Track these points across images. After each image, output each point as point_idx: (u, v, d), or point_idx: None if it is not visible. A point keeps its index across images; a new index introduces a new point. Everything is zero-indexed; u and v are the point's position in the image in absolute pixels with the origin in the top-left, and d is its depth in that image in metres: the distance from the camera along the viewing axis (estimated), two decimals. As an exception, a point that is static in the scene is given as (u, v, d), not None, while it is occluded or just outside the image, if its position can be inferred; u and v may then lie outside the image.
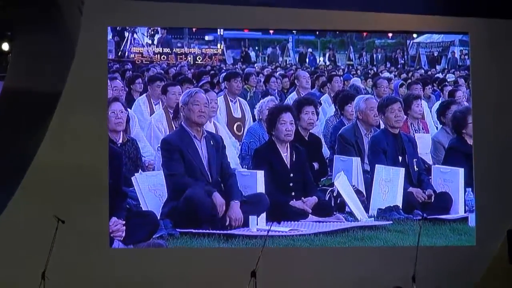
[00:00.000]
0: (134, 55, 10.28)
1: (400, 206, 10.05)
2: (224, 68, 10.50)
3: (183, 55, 10.40)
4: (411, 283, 8.27)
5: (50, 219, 8.30)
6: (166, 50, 10.32)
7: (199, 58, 10.40)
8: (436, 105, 10.82)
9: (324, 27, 10.73)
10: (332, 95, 10.63)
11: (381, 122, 10.24)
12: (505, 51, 10.65)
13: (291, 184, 9.87)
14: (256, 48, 10.73)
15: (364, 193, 10.07)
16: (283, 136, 9.75)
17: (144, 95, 10.20)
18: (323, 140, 10.34)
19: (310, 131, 10.18)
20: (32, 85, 9.75)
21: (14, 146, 9.69)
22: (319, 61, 10.87)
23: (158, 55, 10.34)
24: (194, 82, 10.25)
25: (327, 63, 10.89)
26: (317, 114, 10.17)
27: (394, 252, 9.90)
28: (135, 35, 10.32)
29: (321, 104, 10.52)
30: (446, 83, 10.94)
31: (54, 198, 9.45)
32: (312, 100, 10.15)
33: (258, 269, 7.92)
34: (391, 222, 10.00)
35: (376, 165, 10.05)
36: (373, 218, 10.00)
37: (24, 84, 9.77)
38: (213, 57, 10.43)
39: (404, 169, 10.08)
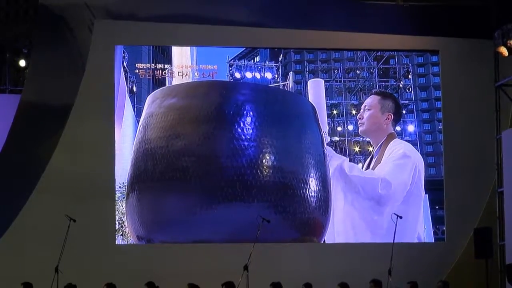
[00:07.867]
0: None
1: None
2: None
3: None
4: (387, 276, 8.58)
5: (62, 219, 8.89)
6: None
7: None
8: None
9: (307, 46, 11.54)
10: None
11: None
12: (473, 67, 11.44)
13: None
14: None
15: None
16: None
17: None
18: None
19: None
20: (46, 98, 10.57)
21: (29, 153, 10.47)
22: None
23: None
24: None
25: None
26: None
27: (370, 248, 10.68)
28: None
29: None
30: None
31: (66, 199, 10.14)
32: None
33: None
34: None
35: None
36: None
37: (39, 98, 10.59)
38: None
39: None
